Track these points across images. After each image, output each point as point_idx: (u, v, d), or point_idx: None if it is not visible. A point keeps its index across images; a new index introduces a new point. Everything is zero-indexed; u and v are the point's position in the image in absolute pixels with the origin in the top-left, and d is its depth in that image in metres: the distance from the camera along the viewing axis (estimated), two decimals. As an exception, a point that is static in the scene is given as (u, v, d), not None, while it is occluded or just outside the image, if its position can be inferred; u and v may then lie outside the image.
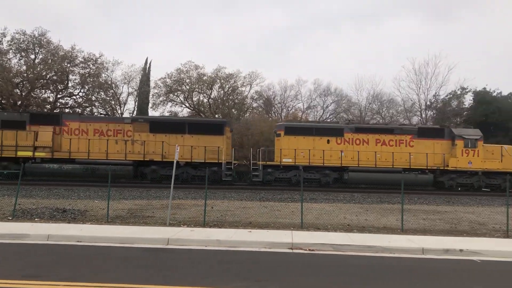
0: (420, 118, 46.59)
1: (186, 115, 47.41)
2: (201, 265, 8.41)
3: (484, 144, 27.65)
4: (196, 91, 47.87)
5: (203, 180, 25.50)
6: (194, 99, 48.46)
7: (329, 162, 26.95)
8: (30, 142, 25.19)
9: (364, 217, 15.23)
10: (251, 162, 27.99)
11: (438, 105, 45.99)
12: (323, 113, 51.61)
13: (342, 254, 9.82)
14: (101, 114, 44.14)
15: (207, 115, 48.21)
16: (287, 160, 26.92)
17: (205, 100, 48.73)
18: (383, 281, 7.41)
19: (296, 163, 26.74)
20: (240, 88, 49.10)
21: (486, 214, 16.69)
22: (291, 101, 52.53)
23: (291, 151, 26.94)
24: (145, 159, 25.97)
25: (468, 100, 46.02)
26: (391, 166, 26.80)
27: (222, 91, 48.50)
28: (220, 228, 12.48)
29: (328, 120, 46.87)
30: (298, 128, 27.74)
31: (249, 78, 48.58)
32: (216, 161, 26.15)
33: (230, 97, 49.23)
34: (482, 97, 43.02)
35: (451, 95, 45.80)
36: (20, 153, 24.98)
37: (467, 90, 45.47)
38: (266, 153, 28.35)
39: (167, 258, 9.07)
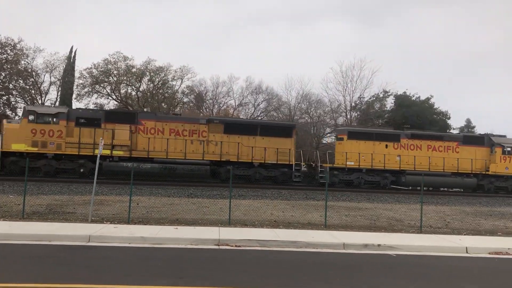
0: (345, 119, 48.55)
1: (112, 107, 45.71)
2: (124, 263, 8.14)
3: None
4: (124, 83, 46.34)
5: (274, 180, 26.74)
6: (122, 91, 46.89)
7: (388, 166, 28.31)
8: (108, 141, 24.20)
9: (290, 213, 15.59)
10: (319, 164, 28.36)
11: (362, 107, 48.20)
12: (254, 111, 52.14)
13: (267, 250, 9.96)
14: (19, 103, 41.35)
15: (135, 108, 46.79)
16: (350, 163, 27.95)
17: (134, 93, 47.31)
18: (304, 275, 7.61)
19: (360, 166, 27.93)
20: (170, 82, 48.28)
21: (403, 211, 17.74)
22: (223, 97, 52.50)
23: (354, 154, 27.92)
24: (222, 160, 26.09)
25: (389, 103, 48.71)
26: (442, 170, 28.70)
27: (152, 84, 47.38)
28: (146, 225, 12.17)
29: (261, 118, 47.38)
30: (360, 133, 29.19)
31: (180, 72, 47.90)
32: (287, 163, 26.74)
33: (160, 91, 48.20)
34: (402, 101, 45.72)
35: (374, 98, 48.22)
36: (105, 152, 23.65)
37: (389, 94, 48.11)
38: (328, 155, 29.16)
39: (88, 255, 8.68)
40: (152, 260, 8.47)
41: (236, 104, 52.46)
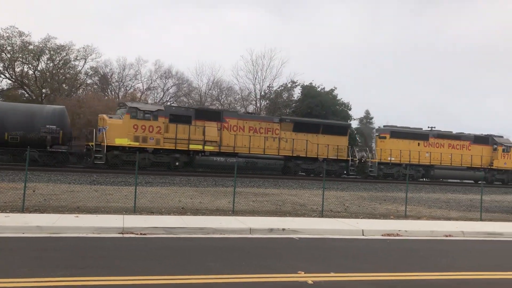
0: (255, 107, 49.34)
1: (6, 87, 41.96)
2: (16, 254, 7.53)
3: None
4: (19, 60, 42.60)
5: (333, 174, 30.15)
6: (17, 69, 43.08)
7: (421, 161, 33.17)
8: (200, 137, 26.53)
9: (199, 200, 15.54)
10: (370, 159, 32.48)
11: (271, 96, 49.31)
12: (163, 96, 50.93)
13: (174, 237, 9.83)
14: None
15: (32, 89, 43.25)
16: (392, 159, 32.23)
17: (31, 72, 43.71)
18: (211, 261, 7.64)
19: (401, 161, 32.46)
20: (73, 62, 45.39)
21: (307, 197, 18.54)
22: (129, 80, 50.53)
23: (395, 151, 32.25)
24: (293, 155, 29.10)
25: (297, 93, 50.35)
26: (460, 165, 34.36)
27: (52, 64, 44.11)
28: (43, 213, 11.37)
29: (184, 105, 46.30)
30: (400, 132, 33.48)
31: (83, 52, 45.17)
32: (344, 158, 30.76)
33: (61, 71, 45.09)
34: (309, 91, 47.51)
35: (282, 87, 49.50)
36: (192, 147, 26.33)
37: (296, 84, 49.67)
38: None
39: (-27, 248, 7.89)
40: (49, 251, 7.94)
41: (144, 88, 50.87)
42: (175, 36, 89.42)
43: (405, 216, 14.92)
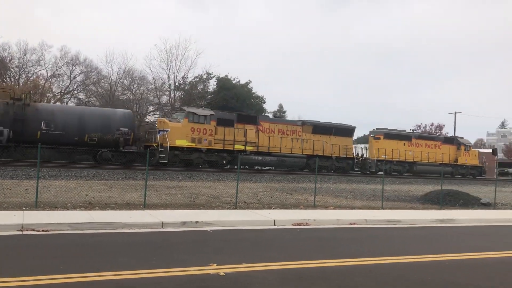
0: (169, 98, 48.36)
1: None
2: None
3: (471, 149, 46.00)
4: None
5: (341, 170, 35.50)
6: None
7: (407, 159, 39.66)
8: (242, 138, 30.21)
9: (108, 194, 14.89)
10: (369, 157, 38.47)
11: (186, 87, 48.63)
12: (70, 83, 47.99)
13: (81, 233, 9.33)
14: None
15: None
16: (385, 157, 37.80)
17: None
18: (119, 256, 7.36)
19: (392, 159, 38.57)
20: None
21: (221, 189, 18.58)
22: (32, 66, 46.93)
23: (388, 150, 38.36)
24: (313, 154, 33.29)
25: (212, 85, 50.17)
26: (435, 161, 41.16)
27: None
28: None
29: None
30: (391, 134, 39.76)
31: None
32: (351, 156, 36.53)
33: None
34: (224, 84, 47.59)
35: (198, 79, 49.05)
36: (236, 147, 29.89)
37: (212, 76, 49.49)
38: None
39: None
40: None
41: (49, 75, 47.55)
42: (84, 21, 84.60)
43: (314, 206, 15.55)
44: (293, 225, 11.85)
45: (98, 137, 26.31)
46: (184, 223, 10.73)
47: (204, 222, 11.01)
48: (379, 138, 38.88)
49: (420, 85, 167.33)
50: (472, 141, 48.38)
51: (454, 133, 61.87)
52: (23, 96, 25.99)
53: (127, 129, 27.19)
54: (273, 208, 14.50)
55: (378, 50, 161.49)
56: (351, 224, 12.62)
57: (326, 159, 34.49)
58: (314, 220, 12.45)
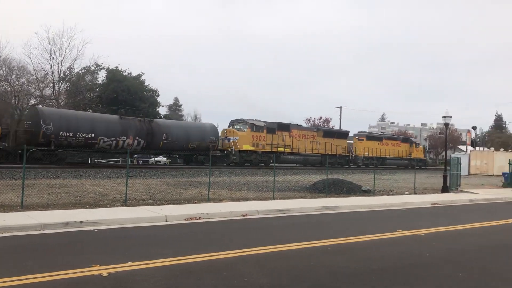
0: (53, 90, 44.91)
1: None
2: None
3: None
4: None
5: (340, 164, 45.34)
6: None
7: (381, 155, 50.26)
8: (282, 142, 39.31)
9: (-22, 195, 13.39)
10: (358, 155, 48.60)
11: (72, 79, 45.56)
12: None
13: None
14: None
15: None
16: (367, 154, 48.58)
17: None
18: (-10, 265, 6.66)
19: (372, 155, 48.95)
20: None
21: (110, 186, 17.76)
22: None
23: (369, 149, 48.84)
24: (325, 153, 41.87)
25: (101, 76, 47.63)
26: (397, 156, 52.65)
27: None
28: None
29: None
30: (371, 136, 51.91)
31: None
32: (347, 154, 46.65)
33: None
34: (114, 75, 45.47)
35: (85, 70, 46.22)
36: (279, 149, 38.76)
37: (101, 67, 46.96)
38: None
39: None
40: None
41: None
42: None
43: (208, 200, 15.56)
44: (185, 220, 11.73)
45: (196, 144, 33.83)
46: (67, 224, 10.05)
47: (90, 221, 10.42)
48: (362, 140, 49.61)
49: (309, 80, 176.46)
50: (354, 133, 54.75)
51: (340, 126, 66.30)
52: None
53: (214, 138, 35.22)
54: (166, 204, 14.21)
55: (272, 46, 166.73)
56: (243, 216, 12.86)
57: (331, 156, 43.30)
58: (207, 213, 12.45)
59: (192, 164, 34.42)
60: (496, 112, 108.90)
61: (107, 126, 29.25)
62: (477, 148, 60.12)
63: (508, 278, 7.13)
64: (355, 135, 51.57)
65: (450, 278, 6.90)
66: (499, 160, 48.08)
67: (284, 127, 40.64)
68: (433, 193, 23.31)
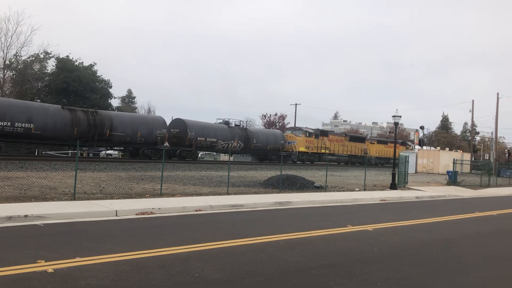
0: (-2, 78, 42.68)
1: None
2: None
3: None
4: None
5: (360, 162, 53.85)
6: None
7: (385, 155, 59.08)
8: (323, 145, 48.65)
9: None
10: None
11: (19, 66, 43.46)
12: None
13: None
14: None
15: None
16: (377, 155, 59.10)
17: None
18: None
19: (380, 156, 58.77)
20: None
21: (58, 179, 17.13)
22: None
23: (378, 151, 58.85)
24: (351, 154, 53.30)
25: (51, 65, 45.72)
26: (362, 154, 54.87)
27: None
28: None
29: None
30: (380, 140, 62.95)
31: None
32: (363, 155, 53.84)
33: None
34: (65, 65, 43.78)
35: (33, 58, 44.20)
36: (322, 151, 48.19)
37: (50, 56, 45.08)
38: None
39: None
40: None
41: None
42: None
43: (161, 194, 15.33)
44: (136, 214, 11.50)
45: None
46: (10, 218, 9.59)
47: (36, 215, 10.00)
48: (374, 143, 59.46)
49: (266, 77, 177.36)
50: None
51: (295, 124, 67.10)
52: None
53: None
54: (117, 198, 13.86)
55: (228, 40, 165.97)
56: (197, 211, 12.76)
57: (355, 156, 53.72)
58: (159, 208, 12.26)
59: (138, 158, 33.42)
60: (443, 113, 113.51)
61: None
62: (424, 147, 62.69)
63: (451, 270, 7.48)
64: (367, 139, 61.96)
65: (397, 272, 7.16)
66: (444, 159, 50.37)
67: (324, 133, 51.70)
68: (382, 189, 24.08)
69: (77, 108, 30.83)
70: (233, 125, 41.62)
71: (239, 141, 40.36)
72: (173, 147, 36.48)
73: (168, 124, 36.60)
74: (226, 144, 39.18)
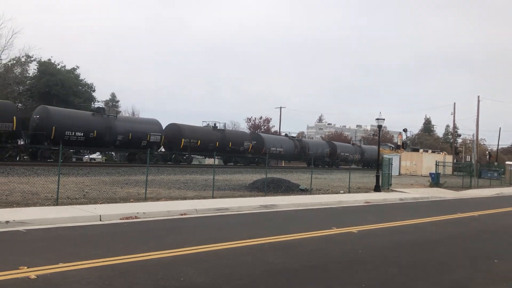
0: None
1: None
2: None
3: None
4: None
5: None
6: None
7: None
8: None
9: None
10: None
11: (0, 70, 42.78)
12: None
13: None
14: None
15: None
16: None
17: None
18: None
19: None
20: None
21: (41, 184, 16.89)
22: None
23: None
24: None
25: (32, 69, 45.13)
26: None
27: None
28: None
29: None
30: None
31: None
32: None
33: None
34: (47, 68, 43.27)
35: (14, 61, 43.54)
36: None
37: (32, 59, 44.50)
38: None
39: None
40: None
41: None
42: None
43: (145, 199, 15.23)
44: (121, 219, 11.41)
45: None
46: (-9, 224, 9.43)
47: (18, 221, 9.85)
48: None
49: (250, 80, 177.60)
50: (294, 134, 56.00)
51: (280, 127, 67.33)
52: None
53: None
54: (100, 203, 13.73)
55: (211, 44, 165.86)
56: (182, 215, 12.70)
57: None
58: (144, 213, 12.18)
59: (135, 163, 33.48)
60: (425, 116, 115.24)
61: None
62: (407, 150, 63.48)
63: (435, 270, 7.59)
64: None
65: (382, 273, 7.24)
66: (427, 161, 51.09)
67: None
68: (366, 192, 24.29)
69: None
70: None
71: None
72: (167, 152, 37.59)
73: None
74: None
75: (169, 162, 36.62)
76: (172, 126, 37.90)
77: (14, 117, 26.36)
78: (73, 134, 29.17)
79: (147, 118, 38.13)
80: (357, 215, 15.11)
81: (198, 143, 38.10)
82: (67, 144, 27.68)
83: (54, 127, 28.12)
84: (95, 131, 30.32)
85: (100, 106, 35.97)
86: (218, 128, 41.50)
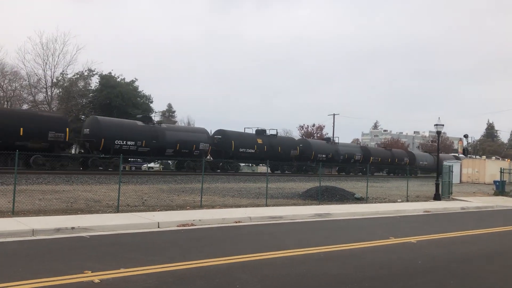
0: (45, 95, 44.67)
1: None
2: None
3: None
4: None
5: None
6: None
7: None
8: None
9: (-31, 201, 13.27)
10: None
11: (65, 84, 45.35)
12: None
13: None
14: None
15: None
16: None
17: None
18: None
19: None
20: None
21: (103, 192, 17.65)
22: None
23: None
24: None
25: (94, 82, 47.41)
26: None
27: None
28: None
29: None
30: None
31: None
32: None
33: None
34: (107, 81, 45.31)
35: (78, 76, 45.99)
36: None
37: (94, 73, 46.76)
38: None
39: None
40: None
41: None
42: None
43: (201, 206, 15.52)
44: (178, 226, 11.69)
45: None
46: (58, 230, 9.97)
47: (82, 227, 10.36)
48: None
49: (301, 88, 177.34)
50: (349, 140, 55.03)
51: (333, 134, 66.44)
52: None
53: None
54: (158, 210, 14.15)
55: (265, 54, 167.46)
56: (236, 222, 12.83)
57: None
58: (199, 220, 12.42)
59: (183, 171, 34.00)
60: (488, 121, 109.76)
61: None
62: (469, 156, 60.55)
63: (499, 284, 7.17)
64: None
65: (442, 285, 6.93)
66: (490, 169, 48.39)
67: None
68: (425, 200, 23.39)
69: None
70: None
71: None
72: (216, 160, 37.81)
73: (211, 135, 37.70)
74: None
75: (218, 170, 36.85)
76: (220, 133, 38.14)
77: (67, 129, 27.88)
78: (125, 143, 30.21)
79: (195, 127, 38.78)
80: (416, 225, 14.58)
81: (247, 150, 38.16)
82: (117, 153, 28.58)
83: (103, 138, 29.20)
84: (144, 141, 31.31)
85: (148, 115, 37.15)
86: (268, 134, 41.43)
